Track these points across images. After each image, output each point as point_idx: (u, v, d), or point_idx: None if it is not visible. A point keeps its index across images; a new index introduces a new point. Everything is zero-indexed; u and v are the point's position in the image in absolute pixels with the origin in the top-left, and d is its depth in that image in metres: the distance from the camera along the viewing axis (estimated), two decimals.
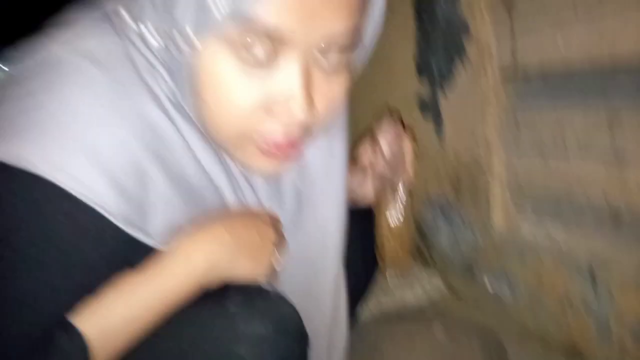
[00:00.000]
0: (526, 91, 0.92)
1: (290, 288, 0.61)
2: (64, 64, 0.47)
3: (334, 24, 0.46)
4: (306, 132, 0.52)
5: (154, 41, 0.49)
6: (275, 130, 0.49)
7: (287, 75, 0.47)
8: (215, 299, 0.50)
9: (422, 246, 1.25)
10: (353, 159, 0.75)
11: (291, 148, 0.51)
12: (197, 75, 0.47)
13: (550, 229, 0.90)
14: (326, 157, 0.65)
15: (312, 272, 0.66)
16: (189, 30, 0.45)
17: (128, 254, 0.49)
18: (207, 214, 0.53)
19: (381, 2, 0.53)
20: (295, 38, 0.45)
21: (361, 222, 0.76)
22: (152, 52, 0.50)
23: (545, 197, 0.92)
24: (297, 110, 0.47)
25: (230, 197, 0.56)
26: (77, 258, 0.46)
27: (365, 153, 0.73)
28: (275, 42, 0.45)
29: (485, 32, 0.92)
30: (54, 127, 0.45)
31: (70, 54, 0.47)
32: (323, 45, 0.47)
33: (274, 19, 0.43)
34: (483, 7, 0.91)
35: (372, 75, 1.28)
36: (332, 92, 0.51)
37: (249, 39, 0.44)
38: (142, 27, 0.49)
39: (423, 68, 1.09)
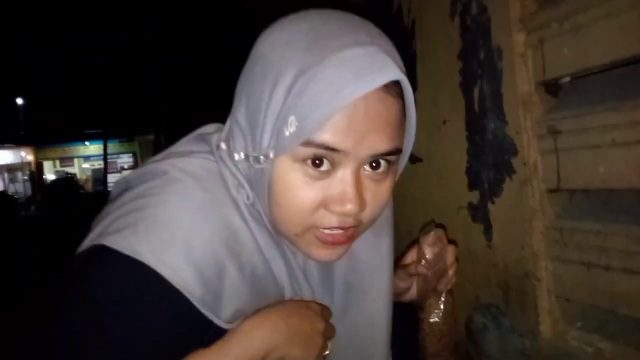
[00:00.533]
0: (570, 205, 0.99)
1: None
2: (171, 177, 0.62)
3: (378, 144, 0.59)
4: (357, 225, 0.63)
5: (243, 163, 0.64)
6: (332, 222, 0.61)
7: (342, 181, 0.60)
8: None
9: (471, 350, 1.27)
10: (402, 265, 0.85)
11: (344, 238, 0.63)
12: (274, 184, 0.61)
13: (597, 341, 0.92)
14: (374, 253, 0.76)
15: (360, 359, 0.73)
16: (270, 152, 0.59)
17: (202, 334, 0.59)
18: (268, 302, 0.63)
19: (413, 121, 0.65)
20: (348, 155, 0.58)
21: (406, 316, 0.84)
22: (240, 171, 0.65)
23: (591, 309, 0.96)
24: (350, 205, 0.59)
25: (288, 288, 0.66)
26: (164, 333, 0.57)
27: (412, 260, 0.82)
28: (334, 158, 0.59)
29: (531, 153, 1.02)
30: (158, 225, 0.58)
31: (178, 172, 0.62)
32: (370, 159, 0.60)
33: (333, 141, 0.57)
34: (530, 131, 1.02)
35: (428, 183, 1.39)
36: (378, 193, 0.63)
37: (313, 156, 0.58)
38: (235, 155, 0.65)
39: (474, 181, 1.19)
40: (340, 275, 0.73)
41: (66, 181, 18.68)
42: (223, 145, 0.67)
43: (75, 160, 25.64)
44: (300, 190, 0.60)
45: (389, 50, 0.60)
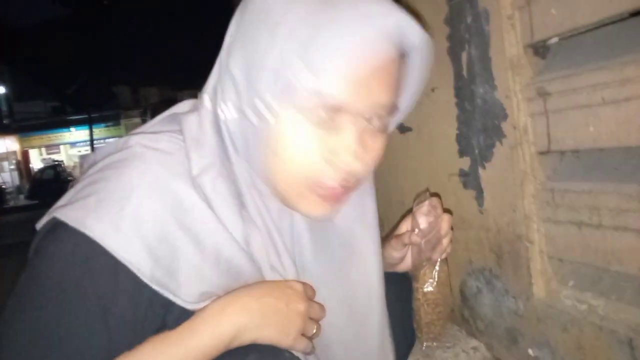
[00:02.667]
0: (561, 167, 1.00)
1: (339, 335, 0.69)
2: (132, 152, 0.60)
3: (379, 95, 0.59)
4: (356, 180, 0.63)
5: (230, 119, 0.62)
6: (333, 178, 0.61)
7: (346, 135, 0.59)
8: (234, 356, 0.58)
9: (466, 314, 1.29)
10: (396, 235, 0.84)
11: (343, 194, 0.63)
12: (277, 137, 0.59)
13: (590, 299, 0.94)
14: (360, 213, 0.75)
15: (360, 320, 0.73)
16: (269, 99, 0.57)
17: (163, 315, 0.58)
18: (243, 284, 0.61)
19: (418, 83, 0.66)
20: (352, 106, 0.58)
21: (400, 285, 0.84)
22: (229, 130, 0.62)
23: (584, 268, 0.97)
24: (354, 162, 0.59)
25: (266, 267, 0.63)
26: (115, 311, 0.55)
27: (406, 230, 0.82)
28: (338, 109, 0.58)
29: (521, 116, 1.01)
30: (109, 198, 0.57)
31: (140, 147, 0.61)
32: (370, 112, 0.60)
33: (338, 93, 0.57)
34: (519, 94, 1.01)
35: (418, 152, 1.39)
36: (374, 149, 0.63)
37: (319, 107, 0.57)
38: (219, 110, 0.62)
39: (465, 148, 1.19)
40: (334, 235, 0.72)
41: (53, 168, 18.48)
42: (207, 99, 0.64)
43: (62, 147, 25.31)
44: (304, 143, 0.59)
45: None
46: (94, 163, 0.63)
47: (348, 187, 0.63)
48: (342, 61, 0.55)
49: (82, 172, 0.64)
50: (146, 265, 0.55)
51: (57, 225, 0.56)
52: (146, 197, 0.57)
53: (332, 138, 0.59)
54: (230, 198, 0.62)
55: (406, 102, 0.68)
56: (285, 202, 0.64)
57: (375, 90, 0.59)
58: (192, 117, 0.64)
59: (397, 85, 0.62)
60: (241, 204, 0.63)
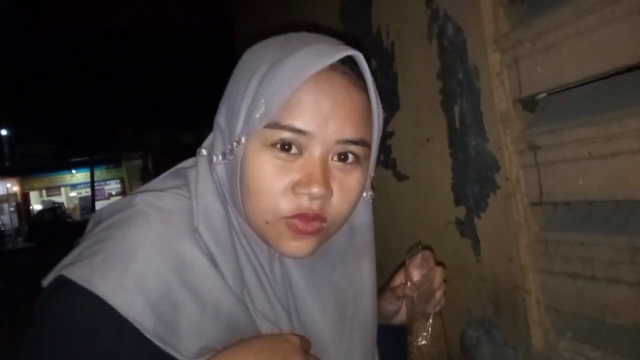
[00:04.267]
0: (553, 218, 1.02)
1: None
2: (137, 210, 0.63)
3: (344, 128, 0.63)
4: (323, 214, 0.64)
5: (221, 165, 0.67)
6: (299, 206, 0.62)
7: (308, 163, 0.63)
8: None
9: None
10: (390, 288, 0.85)
11: (312, 228, 0.63)
12: (244, 170, 0.63)
13: (588, 351, 0.93)
14: (356, 277, 0.75)
15: None
16: (242, 137, 0.63)
17: None
18: (241, 338, 0.62)
19: (377, 114, 0.69)
20: (314, 137, 0.62)
21: (395, 338, 0.84)
22: (217, 175, 0.68)
23: (581, 319, 0.97)
24: (315, 187, 0.61)
25: (263, 322, 0.65)
26: None
27: (400, 283, 0.83)
28: (300, 142, 0.62)
29: (513, 168, 1.04)
30: (115, 257, 0.59)
31: (144, 205, 0.63)
32: (337, 148, 0.63)
33: (298, 122, 0.61)
34: (510, 146, 1.04)
35: (416, 200, 1.41)
36: (346, 185, 0.66)
37: (281, 140, 0.62)
38: (214, 157, 0.68)
39: (460, 197, 1.21)
40: (328, 288, 0.71)
41: (53, 211, 18.49)
42: (204, 151, 0.70)
43: (62, 189, 25.37)
44: (269, 174, 0.62)
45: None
46: (100, 221, 0.66)
47: (317, 223, 0.64)
48: (288, 86, 0.60)
49: (88, 230, 0.66)
50: (149, 321, 0.57)
51: (64, 283, 0.58)
52: (150, 255, 0.59)
53: (297, 170, 0.62)
54: (231, 248, 0.64)
55: (376, 137, 0.70)
56: (269, 243, 0.66)
57: (339, 124, 0.62)
58: (194, 170, 0.68)
59: (363, 122, 0.65)
60: (235, 253, 0.65)
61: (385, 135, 1.53)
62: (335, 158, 0.65)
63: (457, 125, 1.17)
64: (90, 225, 0.68)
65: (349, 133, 0.63)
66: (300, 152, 0.63)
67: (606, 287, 0.88)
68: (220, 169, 0.68)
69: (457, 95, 1.15)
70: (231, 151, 0.65)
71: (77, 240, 0.65)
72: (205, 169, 0.67)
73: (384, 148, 1.51)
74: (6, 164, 21.97)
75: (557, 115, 0.98)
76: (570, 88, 0.96)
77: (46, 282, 0.61)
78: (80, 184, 24.66)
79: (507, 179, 1.05)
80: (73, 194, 25.30)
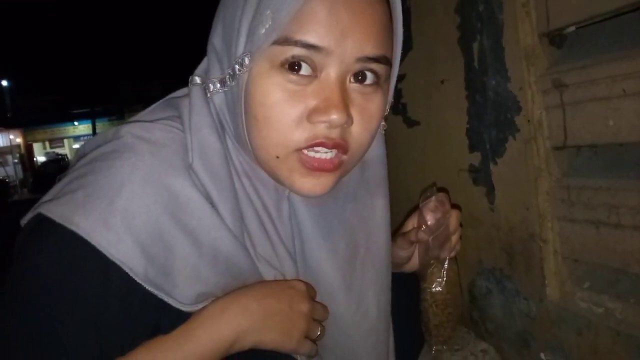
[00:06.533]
0: (577, 162, 0.95)
1: (343, 334, 0.65)
2: (124, 143, 0.55)
3: (364, 44, 0.54)
4: (344, 145, 0.56)
5: (218, 95, 0.59)
6: (316, 135, 0.54)
7: (326, 86, 0.54)
8: None
9: (475, 316, 1.25)
10: (402, 233, 0.80)
11: (330, 164, 0.56)
12: (250, 96, 0.54)
13: (607, 302, 0.89)
14: (369, 214, 0.69)
15: (367, 318, 0.68)
16: (245, 58, 0.54)
17: (157, 318, 0.53)
18: (243, 283, 0.56)
19: (400, 29, 0.61)
20: (331, 54, 0.53)
21: (407, 285, 0.79)
22: (215, 106, 0.59)
23: (600, 269, 0.92)
24: (334, 113, 0.53)
25: (265, 266, 0.59)
26: (105, 314, 0.50)
27: (413, 227, 0.77)
28: (314, 60, 0.53)
29: (536, 109, 0.97)
30: (98, 192, 0.52)
31: (132, 138, 0.56)
32: (356, 66, 0.55)
33: (313, 36, 0.52)
34: (534, 86, 0.96)
35: (427, 146, 1.34)
36: (367, 111, 0.57)
37: (292, 58, 0.53)
38: (210, 86, 0.59)
39: (475, 142, 1.14)
40: (339, 229, 0.65)
41: (57, 162, 18.49)
42: (197, 79, 0.61)
43: (65, 141, 25.35)
44: (281, 100, 0.54)
45: None
46: (83, 155, 0.58)
47: (336, 157, 0.57)
48: None
49: (71, 166, 0.59)
50: (139, 264, 0.51)
51: (43, 222, 0.52)
52: (138, 191, 0.52)
53: (312, 93, 0.54)
54: (229, 187, 0.57)
55: (396, 54, 0.62)
56: (280, 180, 0.59)
57: (359, 39, 0.54)
58: (187, 100, 0.61)
59: (385, 36, 0.57)
60: (235, 192, 0.58)
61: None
62: (353, 79, 0.56)
63: (476, 64, 1.09)
64: (73, 161, 0.61)
65: (370, 49, 0.55)
66: (315, 72, 0.54)
67: (632, 234, 0.83)
68: (218, 99, 0.60)
69: (476, 31, 1.06)
70: (232, 76, 0.56)
71: (60, 176, 0.59)
72: (200, 99, 0.59)
73: (394, 92, 1.43)
74: (8, 115, 21.85)
75: (587, 50, 0.89)
76: (602, 21, 0.87)
77: (24, 220, 0.55)
78: (83, 135, 24.59)
79: (528, 121, 0.98)
80: (76, 145, 25.28)
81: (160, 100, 0.65)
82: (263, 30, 0.52)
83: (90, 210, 0.51)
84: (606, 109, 0.84)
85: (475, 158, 1.15)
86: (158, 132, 0.57)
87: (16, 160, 22.20)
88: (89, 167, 0.54)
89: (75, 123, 24.70)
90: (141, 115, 0.63)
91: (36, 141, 24.77)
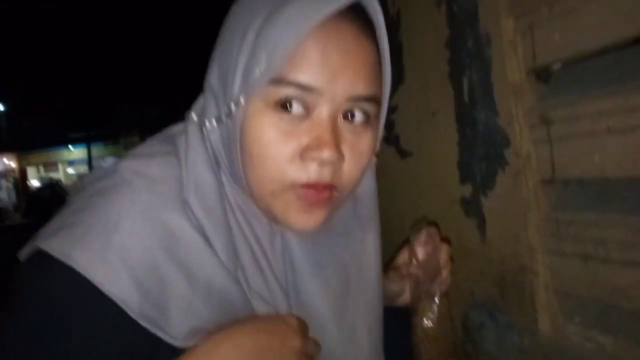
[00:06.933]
0: (565, 196, 0.96)
1: None
2: (121, 178, 0.57)
3: (355, 84, 0.56)
4: (335, 183, 0.58)
5: (215, 132, 0.60)
6: (309, 174, 0.56)
7: (317, 124, 0.56)
8: None
9: (469, 349, 1.24)
10: (394, 266, 0.80)
11: (323, 198, 0.57)
12: (245, 134, 0.56)
13: (598, 336, 0.89)
14: (359, 250, 0.69)
15: (358, 353, 0.68)
16: (241, 98, 0.56)
17: (150, 352, 0.53)
18: (234, 317, 0.56)
19: (389, 68, 0.62)
20: (323, 95, 0.55)
21: (399, 321, 0.79)
22: (211, 143, 0.61)
23: (590, 302, 0.93)
24: (326, 151, 0.55)
25: (258, 302, 0.59)
26: (99, 349, 0.51)
27: (404, 261, 0.78)
28: (307, 100, 0.55)
29: (524, 143, 0.98)
30: (96, 228, 0.53)
31: (130, 173, 0.57)
32: (347, 105, 0.57)
33: (305, 77, 0.54)
34: (522, 120, 0.98)
35: (419, 177, 1.36)
36: (357, 148, 0.59)
37: (285, 98, 0.55)
38: (206, 122, 0.61)
39: (466, 174, 1.15)
40: (331, 264, 0.66)
41: (51, 187, 18.39)
42: (194, 116, 0.63)
43: (60, 166, 25.26)
44: (275, 138, 0.56)
45: None
46: (82, 189, 0.60)
47: (328, 192, 0.58)
48: (293, 35, 0.53)
49: (69, 200, 0.60)
50: (134, 300, 0.52)
51: (41, 256, 0.52)
52: (134, 227, 0.53)
53: (305, 133, 0.56)
54: (224, 222, 0.58)
55: (385, 93, 0.64)
56: (274, 215, 0.60)
57: (350, 80, 0.56)
58: (184, 136, 0.62)
59: (375, 76, 0.59)
60: (229, 227, 0.59)
61: (388, 110, 1.47)
62: (343, 118, 0.58)
63: (466, 98, 1.11)
64: (71, 194, 0.62)
65: (360, 89, 0.57)
66: (307, 111, 0.56)
67: (620, 269, 0.83)
68: (214, 136, 0.61)
69: (466, 66, 1.09)
70: (228, 114, 0.58)
71: (57, 211, 0.59)
72: (196, 136, 0.61)
73: (386, 123, 1.45)
74: (3, 138, 21.84)
75: (573, 86, 0.91)
76: (588, 58, 0.89)
77: (22, 254, 0.55)
78: (78, 160, 24.54)
79: (517, 155, 0.99)
80: (70, 170, 25.21)
81: (159, 134, 0.66)
82: (258, 71, 0.54)
83: (87, 246, 0.52)
84: (592, 144, 0.86)
85: (467, 190, 1.16)
86: (155, 168, 0.59)
87: (10, 185, 22.09)
88: (87, 202, 0.56)
89: (71, 147, 24.68)
90: (139, 149, 0.65)
91: (30, 165, 24.68)
